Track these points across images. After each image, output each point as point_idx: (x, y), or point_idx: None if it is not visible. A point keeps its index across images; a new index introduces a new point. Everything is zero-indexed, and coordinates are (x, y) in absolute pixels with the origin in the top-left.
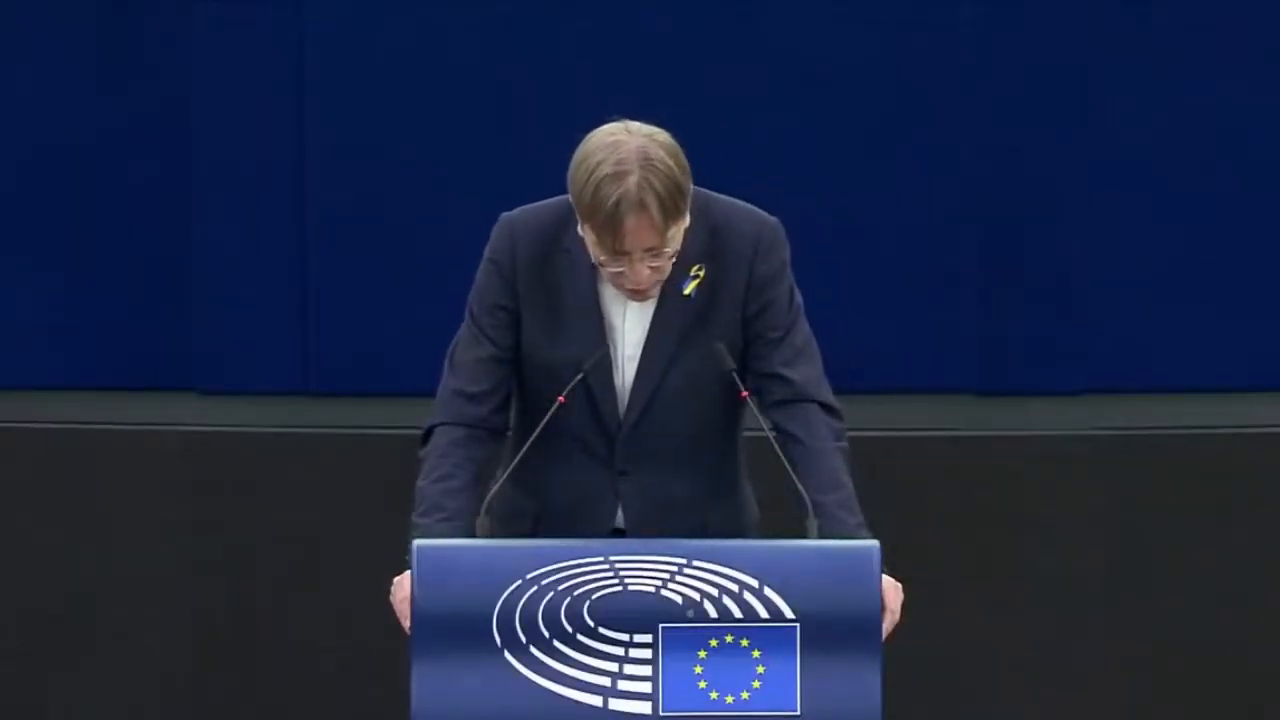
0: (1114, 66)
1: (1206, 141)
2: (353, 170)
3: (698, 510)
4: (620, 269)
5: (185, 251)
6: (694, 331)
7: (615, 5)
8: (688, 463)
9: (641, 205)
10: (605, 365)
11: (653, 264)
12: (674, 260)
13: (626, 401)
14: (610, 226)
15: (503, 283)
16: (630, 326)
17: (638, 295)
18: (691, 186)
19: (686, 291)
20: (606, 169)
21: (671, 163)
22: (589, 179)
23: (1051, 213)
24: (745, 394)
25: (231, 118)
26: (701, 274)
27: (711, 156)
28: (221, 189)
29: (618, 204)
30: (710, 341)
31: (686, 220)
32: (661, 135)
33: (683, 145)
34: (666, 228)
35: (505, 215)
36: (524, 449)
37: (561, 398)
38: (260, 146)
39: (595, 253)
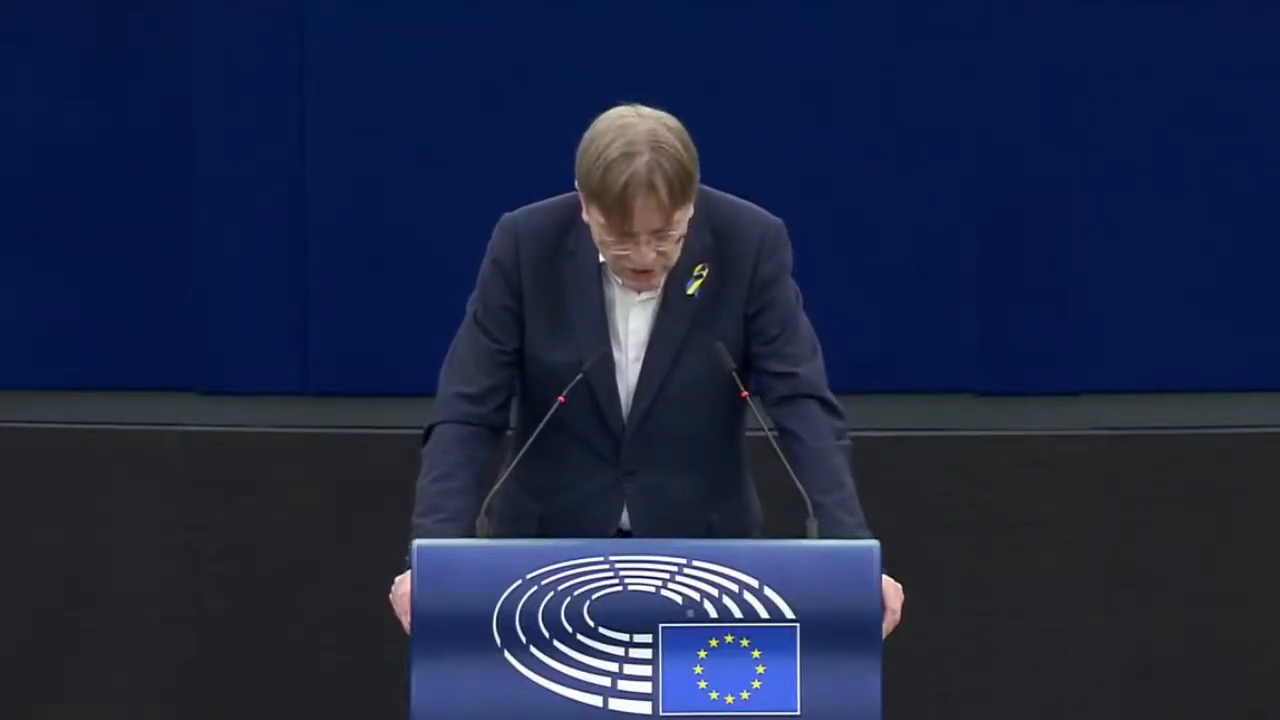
0: (1114, 66)
1: (1206, 141)
2: (352, 170)
3: (702, 510)
4: (625, 251)
5: (185, 252)
6: (697, 331)
7: (616, 5)
8: (693, 463)
9: (650, 186)
10: (608, 366)
11: (659, 247)
12: (679, 244)
13: (631, 402)
14: (619, 207)
15: (507, 284)
16: (635, 328)
17: (641, 279)
18: (698, 175)
19: (690, 291)
20: (616, 150)
21: (680, 147)
22: (598, 159)
23: (1051, 213)
24: (745, 394)
25: (231, 118)
26: (704, 273)
27: (712, 157)
28: (221, 189)
29: (627, 184)
30: (712, 341)
31: (692, 208)
32: (671, 120)
33: None
34: (673, 210)
35: (507, 216)
36: (523, 450)
37: (561, 397)
38: (260, 146)
39: (600, 235)
